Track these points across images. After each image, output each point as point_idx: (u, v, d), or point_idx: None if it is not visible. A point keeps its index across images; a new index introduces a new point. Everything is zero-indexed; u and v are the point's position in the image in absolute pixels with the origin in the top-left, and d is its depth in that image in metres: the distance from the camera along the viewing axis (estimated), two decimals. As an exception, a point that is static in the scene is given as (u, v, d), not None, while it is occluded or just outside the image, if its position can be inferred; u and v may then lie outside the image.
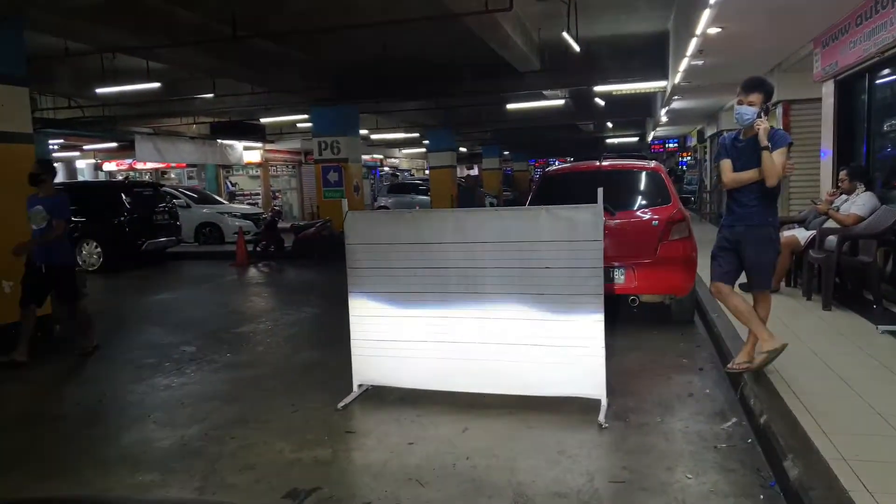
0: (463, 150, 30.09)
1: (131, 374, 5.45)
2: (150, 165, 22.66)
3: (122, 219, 12.32)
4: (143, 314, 8.28)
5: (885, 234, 5.86)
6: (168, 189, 16.15)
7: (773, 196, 4.26)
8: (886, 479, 2.83)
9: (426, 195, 23.29)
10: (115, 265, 12.22)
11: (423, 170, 35.11)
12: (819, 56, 7.79)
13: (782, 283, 7.05)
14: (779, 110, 10.10)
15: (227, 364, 5.68)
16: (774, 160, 3.99)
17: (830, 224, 6.43)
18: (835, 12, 6.70)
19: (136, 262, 12.62)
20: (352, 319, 4.50)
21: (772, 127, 4.10)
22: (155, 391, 5.00)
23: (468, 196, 16.33)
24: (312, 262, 12.59)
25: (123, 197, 12.57)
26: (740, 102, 4.11)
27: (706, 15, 6.26)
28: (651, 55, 12.68)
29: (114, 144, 21.38)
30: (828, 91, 7.84)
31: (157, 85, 11.62)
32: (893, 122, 6.56)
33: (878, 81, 6.88)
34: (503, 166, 34.10)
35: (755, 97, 4.07)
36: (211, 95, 13.10)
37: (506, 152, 34.90)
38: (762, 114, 4.09)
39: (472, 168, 41.07)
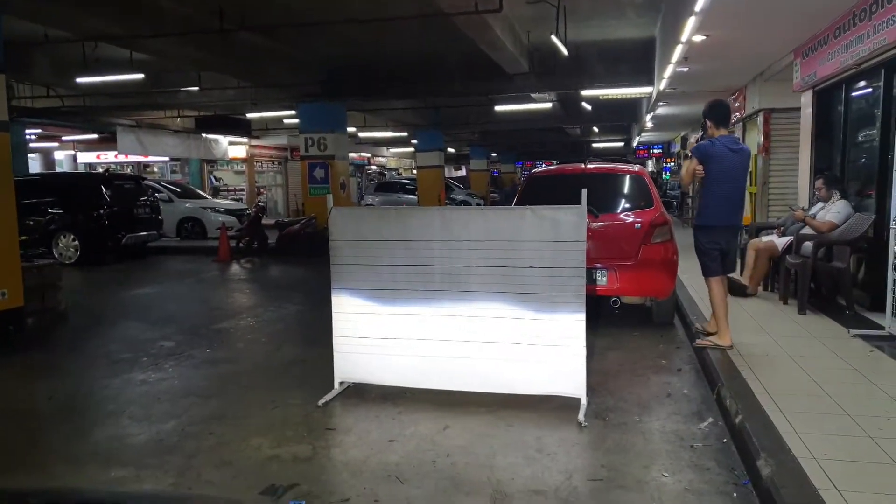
0: (451, 150, 30.11)
1: (106, 369, 5.38)
2: (131, 158, 22.38)
3: (102, 211, 12.14)
4: (120, 309, 8.18)
5: (858, 241, 5.99)
6: (150, 182, 15.98)
7: (703, 197, 5.12)
8: (854, 476, 2.90)
9: (414, 195, 23.27)
10: (93, 259, 12.04)
11: (411, 169, 35.06)
12: (799, 66, 7.92)
13: (760, 288, 7.16)
14: (759, 119, 10.26)
15: (207, 360, 5.63)
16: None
17: (807, 231, 6.54)
18: (815, 23, 6.82)
19: (115, 257, 12.46)
20: (334, 316, 4.49)
21: (704, 140, 5.10)
22: (131, 386, 4.94)
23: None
24: (296, 259, 12.52)
25: (103, 189, 12.39)
26: None
27: (691, 22, 6.34)
28: (638, 61, 12.80)
29: (94, 136, 21.09)
30: (806, 101, 7.97)
31: (140, 76, 11.48)
32: (868, 132, 6.69)
33: (854, 93, 7.00)
34: (490, 168, 34.19)
35: (703, 120, 5.16)
36: (196, 88, 12.98)
37: (493, 154, 34.99)
38: (700, 129, 5.23)
39: (459, 169, 41.13)
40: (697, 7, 5.82)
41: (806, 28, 7.05)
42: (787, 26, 6.95)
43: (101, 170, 22.72)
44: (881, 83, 6.13)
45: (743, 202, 5.15)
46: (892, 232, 4.97)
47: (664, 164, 28.08)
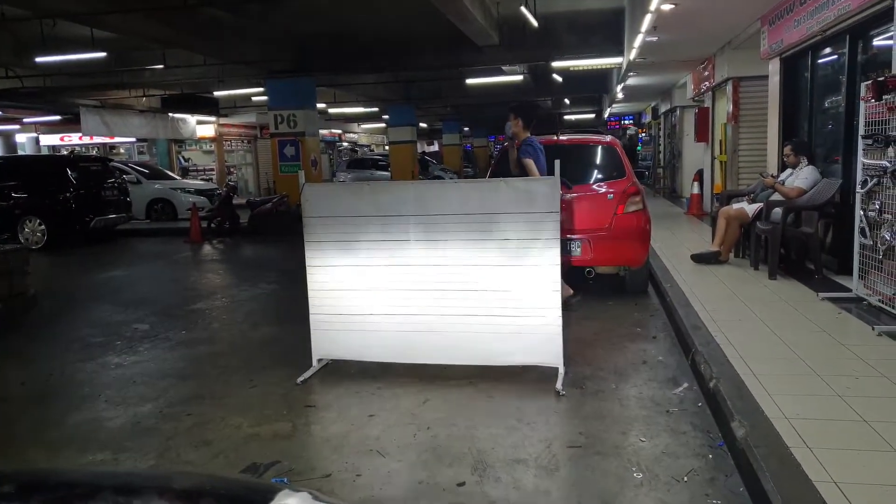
0: (423, 125, 29.84)
1: (80, 353, 5.29)
2: (97, 140, 21.78)
3: (68, 194, 11.85)
4: (91, 293, 8.01)
5: (826, 206, 6.10)
6: (117, 164, 15.61)
7: None
8: (823, 434, 2.99)
9: (386, 171, 23.09)
10: (60, 243, 11.78)
11: (383, 145, 34.72)
12: (766, 34, 7.96)
13: (731, 254, 7.28)
14: (728, 87, 10.33)
15: (182, 341, 5.57)
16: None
17: (776, 197, 6.64)
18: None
19: (83, 240, 12.19)
20: (310, 294, 4.46)
21: (528, 138, 5.40)
22: (105, 370, 4.87)
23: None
24: (269, 238, 12.39)
25: (69, 172, 12.07)
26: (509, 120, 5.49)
27: (660, -10, 6.33)
28: (608, 31, 12.74)
29: (57, 117, 20.46)
30: (774, 68, 8.03)
31: (102, 55, 11.11)
32: (834, 98, 6.78)
33: (820, 60, 7.08)
34: (463, 142, 34.00)
35: (511, 117, 5.43)
36: (161, 67, 12.60)
37: (466, 128, 34.78)
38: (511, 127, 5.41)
39: (432, 144, 40.79)
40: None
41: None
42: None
43: (65, 152, 22.13)
44: (846, 50, 6.19)
45: None
46: (858, 196, 5.06)
47: (638, 135, 28.22)
